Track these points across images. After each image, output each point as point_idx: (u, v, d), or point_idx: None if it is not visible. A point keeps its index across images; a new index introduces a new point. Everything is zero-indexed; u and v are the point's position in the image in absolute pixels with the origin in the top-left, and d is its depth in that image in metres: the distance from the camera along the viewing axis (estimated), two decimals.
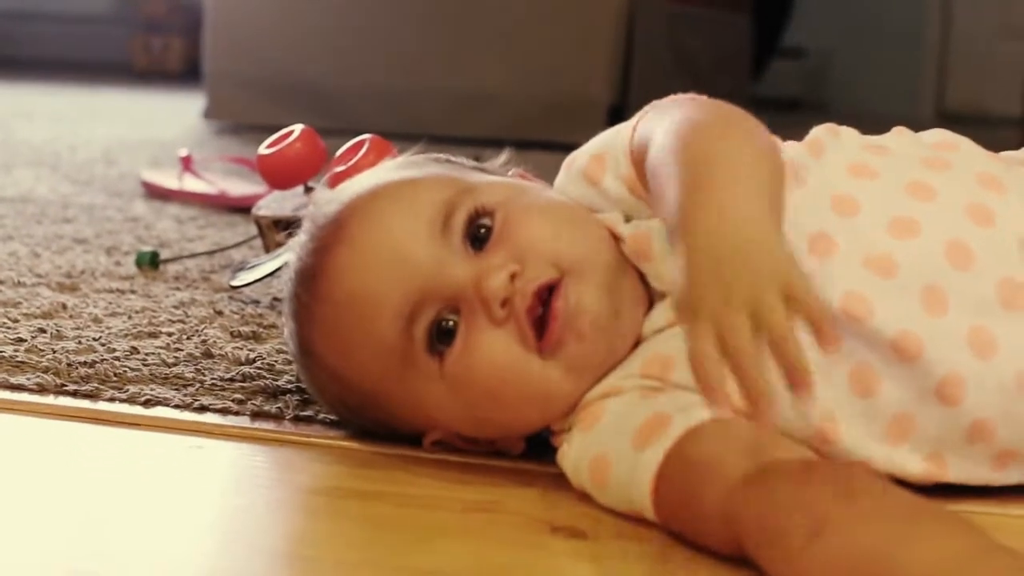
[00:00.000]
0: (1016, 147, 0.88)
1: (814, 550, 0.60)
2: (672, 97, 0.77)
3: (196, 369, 0.94)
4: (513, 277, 0.74)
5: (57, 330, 1.02)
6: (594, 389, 0.76)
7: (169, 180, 1.81)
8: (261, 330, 1.05)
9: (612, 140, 0.80)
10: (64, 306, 1.10)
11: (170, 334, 1.03)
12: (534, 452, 0.81)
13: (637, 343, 0.77)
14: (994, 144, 0.90)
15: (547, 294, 0.74)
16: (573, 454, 0.74)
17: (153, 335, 1.03)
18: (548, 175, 0.86)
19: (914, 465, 0.73)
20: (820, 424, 0.72)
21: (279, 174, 1.19)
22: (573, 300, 0.74)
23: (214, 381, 0.92)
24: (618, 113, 2.40)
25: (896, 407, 0.73)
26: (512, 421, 0.77)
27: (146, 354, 0.97)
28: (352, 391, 0.79)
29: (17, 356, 0.95)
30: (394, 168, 0.83)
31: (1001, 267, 0.74)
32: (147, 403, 0.88)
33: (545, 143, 2.12)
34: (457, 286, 0.74)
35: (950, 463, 0.74)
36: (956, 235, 0.74)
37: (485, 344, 0.74)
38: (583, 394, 0.76)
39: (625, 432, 0.71)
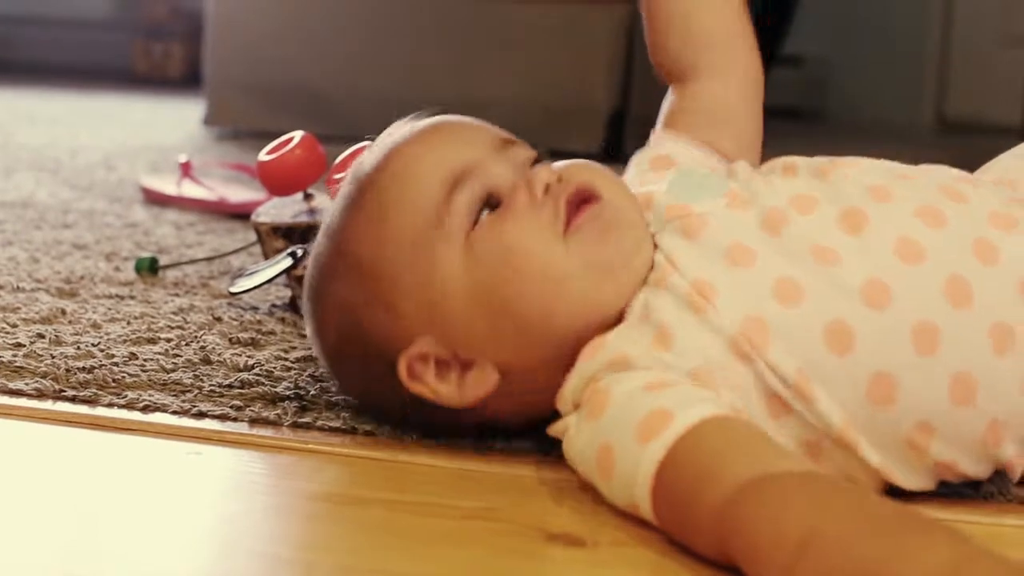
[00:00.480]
0: None
1: (805, 566, 0.60)
2: None
3: (195, 375, 0.94)
4: (559, 180, 0.80)
5: (56, 335, 1.02)
6: (604, 351, 0.76)
7: (168, 186, 1.81)
8: (260, 336, 1.05)
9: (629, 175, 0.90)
10: (63, 311, 1.10)
11: (169, 340, 1.03)
12: (530, 458, 0.81)
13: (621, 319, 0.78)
14: (994, 153, 0.90)
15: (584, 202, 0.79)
16: (581, 442, 0.75)
17: (152, 341, 1.03)
18: None
19: (898, 432, 0.74)
20: (796, 379, 0.73)
21: (279, 180, 1.19)
22: (606, 214, 0.79)
23: (212, 387, 0.92)
24: (618, 120, 2.40)
25: (876, 366, 0.73)
26: (514, 302, 0.77)
27: (145, 360, 0.97)
28: (363, 278, 0.80)
29: (16, 361, 0.95)
30: None
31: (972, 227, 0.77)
32: (145, 409, 0.88)
33: (546, 150, 2.12)
34: (506, 177, 0.80)
35: (937, 429, 0.74)
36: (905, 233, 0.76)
37: (520, 221, 0.78)
38: (588, 310, 0.77)
39: (629, 425, 0.71)
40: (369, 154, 0.85)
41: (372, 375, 0.82)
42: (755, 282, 0.75)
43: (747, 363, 0.74)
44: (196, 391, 0.91)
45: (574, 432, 0.76)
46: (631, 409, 0.72)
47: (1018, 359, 0.74)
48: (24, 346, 0.99)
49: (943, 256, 0.75)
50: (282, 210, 1.21)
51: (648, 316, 0.76)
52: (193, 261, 1.36)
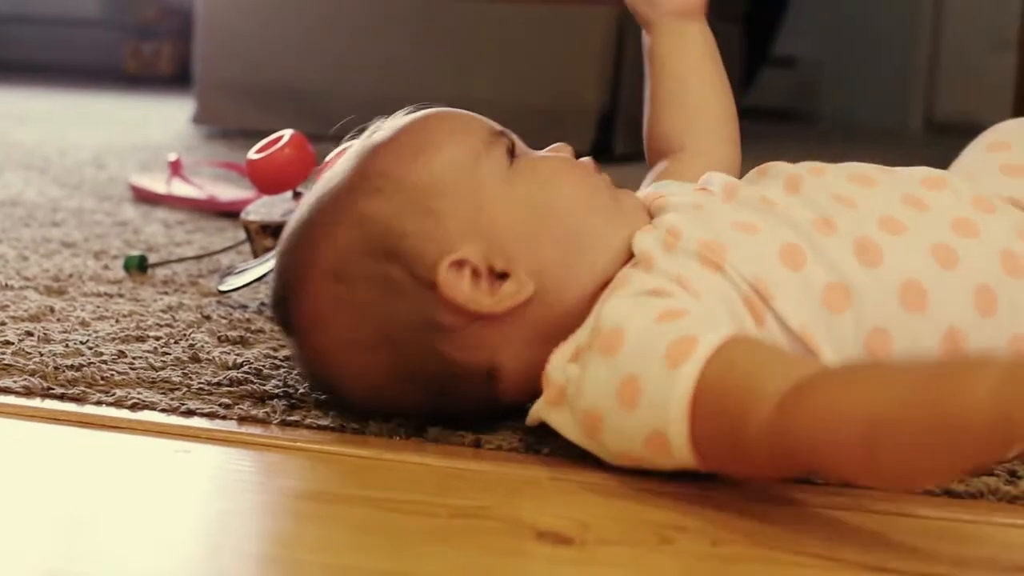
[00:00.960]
0: None
1: (880, 450, 0.66)
2: None
3: (183, 373, 0.94)
4: None
5: (44, 333, 1.02)
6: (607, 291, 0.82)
7: (158, 184, 1.81)
8: (249, 335, 1.05)
9: None
10: (52, 309, 1.10)
11: (158, 338, 1.03)
12: (519, 457, 0.81)
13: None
14: None
15: None
16: (593, 378, 0.77)
17: (140, 339, 1.02)
18: None
19: (856, 338, 0.79)
20: (754, 282, 0.80)
21: (268, 179, 1.19)
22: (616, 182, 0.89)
23: (201, 385, 0.92)
24: (608, 121, 2.40)
25: (827, 279, 0.80)
26: (558, 207, 0.84)
27: (133, 358, 0.97)
28: (400, 191, 0.83)
29: (4, 359, 0.95)
30: None
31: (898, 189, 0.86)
32: (134, 407, 0.88)
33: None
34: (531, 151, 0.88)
35: (894, 336, 0.79)
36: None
37: (556, 158, 0.88)
38: (614, 235, 0.84)
39: (655, 353, 0.75)
40: (382, 128, 0.88)
41: (388, 295, 0.82)
42: (715, 222, 0.83)
43: (717, 271, 0.80)
44: (185, 389, 0.91)
45: (578, 374, 0.78)
46: (652, 340, 0.75)
47: (965, 273, 0.81)
48: (12, 344, 0.99)
49: (876, 204, 0.83)
50: (271, 208, 1.21)
51: (637, 260, 0.83)
52: (182, 259, 1.36)
